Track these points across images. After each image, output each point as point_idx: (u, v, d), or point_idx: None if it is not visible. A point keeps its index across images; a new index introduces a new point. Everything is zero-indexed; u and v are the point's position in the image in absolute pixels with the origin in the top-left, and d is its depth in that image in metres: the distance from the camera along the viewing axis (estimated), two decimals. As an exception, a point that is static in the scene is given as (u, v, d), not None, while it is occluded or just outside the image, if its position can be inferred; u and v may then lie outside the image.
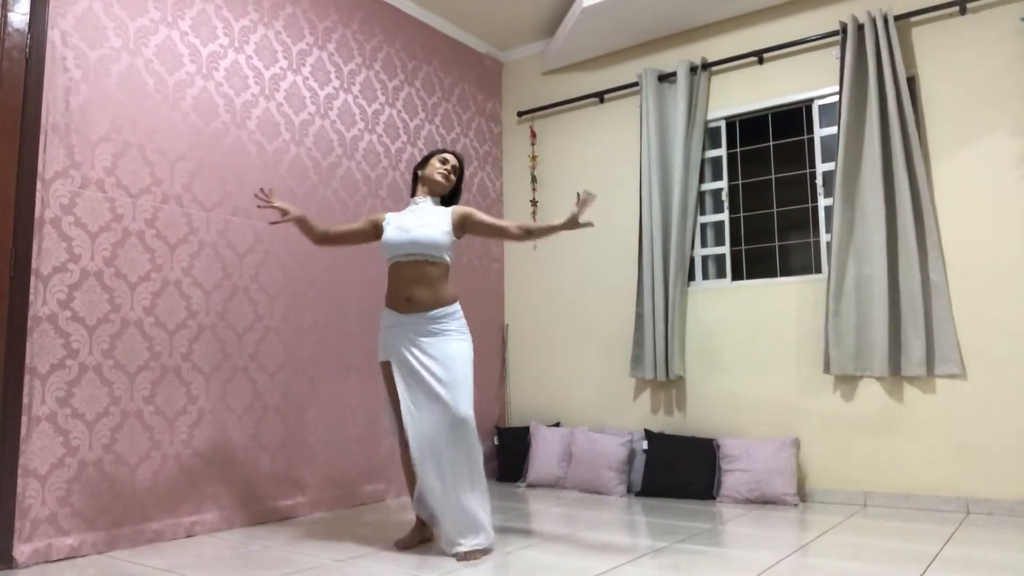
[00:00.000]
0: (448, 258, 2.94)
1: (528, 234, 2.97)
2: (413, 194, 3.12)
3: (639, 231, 4.45)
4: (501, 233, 3.04)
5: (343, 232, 3.09)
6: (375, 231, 3.03)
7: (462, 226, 2.98)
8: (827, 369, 3.82)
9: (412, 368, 2.79)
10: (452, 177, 3.06)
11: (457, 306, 2.92)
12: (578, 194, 2.79)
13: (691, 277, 4.42)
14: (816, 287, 3.99)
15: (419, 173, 3.09)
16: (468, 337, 2.91)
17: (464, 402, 2.75)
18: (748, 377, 4.14)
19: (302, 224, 3.00)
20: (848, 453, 3.82)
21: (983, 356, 3.54)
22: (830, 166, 4.04)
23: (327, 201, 3.94)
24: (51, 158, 2.85)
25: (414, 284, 2.86)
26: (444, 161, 3.07)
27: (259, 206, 2.97)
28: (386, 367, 2.90)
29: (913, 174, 3.69)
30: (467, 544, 2.69)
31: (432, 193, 3.04)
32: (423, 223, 2.92)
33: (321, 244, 3.11)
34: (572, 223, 2.80)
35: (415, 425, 2.75)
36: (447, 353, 2.79)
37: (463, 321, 2.92)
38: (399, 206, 4.09)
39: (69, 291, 2.87)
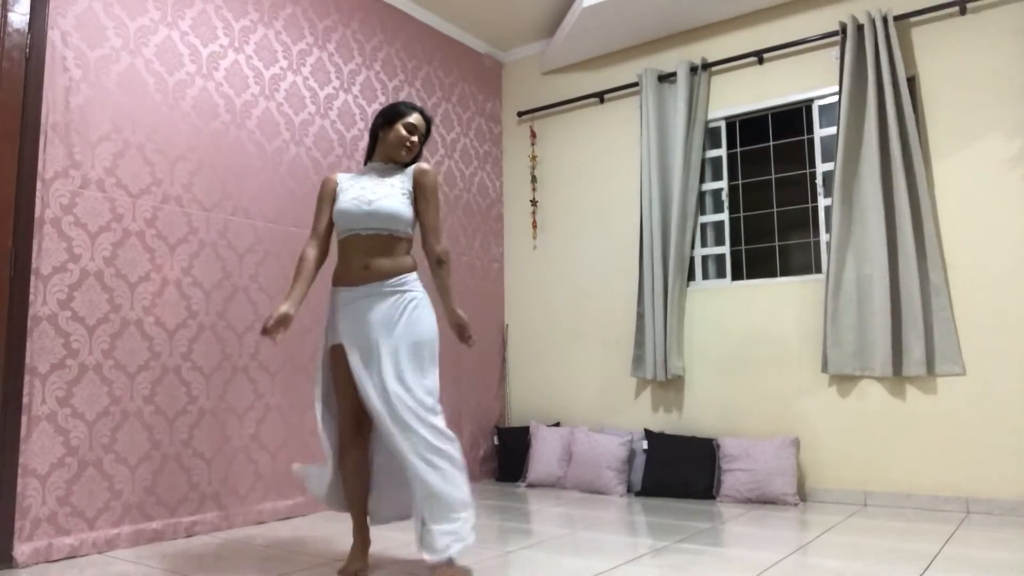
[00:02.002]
0: (411, 232, 2.62)
1: (439, 266, 2.61)
2: (369, 156, 2.73)
3: (639, 231, 4.46)
4: (425, 235, 2.63)
5: (325, 234, 2.64)
6: (330, 198, 2.64)
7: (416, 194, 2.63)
8: (825, 368, 3.82)
9: (374, 354, 2.43)
10: (416, 148, 2.68)
11: (416, 275, 2.58)
12: (467, 336, 2.67)
13: (691, 277, 4.42)
14: (816, 287, 3.99)
15: (379, 135, 2.68)
16: (431, 308, 2.57)
17: (428, 395, 2.44)
18: (748, 377, 4.14)
19: (302, 295, 2.54)
20: (848, 453, 3.82)
21: (983, 356, 3.54)
22: (830, 166, 4.04)
23: (327, 201, 3.93)
24: (51, 158, 2.85)
25: (370, 256, 2.53)
26: (411, 130, 2.64)
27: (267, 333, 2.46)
28: (337, 352, 2.52)
29: (913, 174, 3.69)
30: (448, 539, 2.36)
31: (390, 160, 2.67)
32: (385, 193, 2.57)
33: (324, 261, 2.66)
34: (455, 323, 2.64)
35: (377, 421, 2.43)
36: (413, 333, 2.47)
37: (423, 292, 2.58)
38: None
39: (69, 291, 2.87)
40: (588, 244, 4.81)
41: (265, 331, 2.44)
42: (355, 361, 2.45)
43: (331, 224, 2.63)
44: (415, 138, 2.66)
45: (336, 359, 2.53)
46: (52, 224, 2.84)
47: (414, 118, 2.65)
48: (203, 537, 3.14)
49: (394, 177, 2.64)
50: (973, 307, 3.58)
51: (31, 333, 2.75)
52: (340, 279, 2.59)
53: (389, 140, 2.64)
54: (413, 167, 2.67)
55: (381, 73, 4.35)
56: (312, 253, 2.60)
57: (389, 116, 2.66)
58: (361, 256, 2.53)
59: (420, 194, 2.62)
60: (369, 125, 4.19)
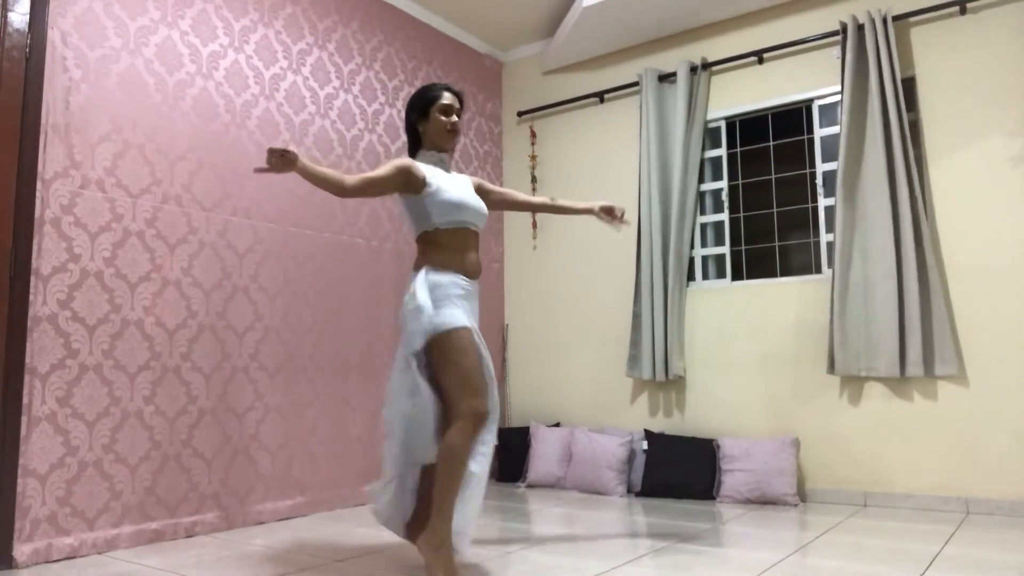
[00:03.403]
0: None
1: (549, 201, 2.98)
2: (415, 149, 2.68)
3: (638, 231, 4.45)
4: (513, 201, 2.96)
5: (373, 181, 2.44)
6: (404, 180, 2.51)
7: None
8: (831, 370, 3.81)
9: (483, 346, 2.53)
10: (459, 128, 2.66)
11: None
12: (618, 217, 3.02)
13: (691, 277, 4.42)
14: (816, 287, 3.99)
15: (419, 129, 2.64)
16: None
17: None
18: (748, 377, 4.14)
19: (305, 173, 2.26)
20: (848, 453, 3.82)
21: (982, 356, 3.54)
22: (830, 166, 4.04)
23: (328, 201, 3.94)
24: (51, 158, 2.85)
25: (477, 251, 2.62)
26: (448, 111, 2.61)
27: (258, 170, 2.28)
28: (469, 333, 2.45)
29: (912, 174, 3.69)
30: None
31: (439, 149, 2.65)
32: (472, 192, 2.67)
33: (347, 196, 2.44)
34: (601, 213, 2.98)
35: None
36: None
37: None
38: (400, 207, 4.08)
39: (69, 291, 2.87)
40: (588, 244, 4.81)
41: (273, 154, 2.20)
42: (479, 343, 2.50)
43: (384, 183, 2.46)
44: (455, 118, 2.63)
45: (468, 338, 2.44)
46: (52, 224, 2.84)
47: (447, 99, 2.61)
48: (203, 537, 3.14)
49: (462, 180, 2.70)
50: (972, 308, 3.58)
51: (31, 333, 2.75)
52: (455, 267, 2.52)
53: (431, 130, 2.62)
54: (468, 179, 2.76)
55: (381, 73, 4.35)
56: (349, 180, 2.38)
57: (422, 107, 2.61)
58: (473, 251, 2.60)
59: (489, 188, 2.84)
60: (369, 126, 4.23)
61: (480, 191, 2.78)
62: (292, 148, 2.22)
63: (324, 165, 3.93)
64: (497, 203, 2.90)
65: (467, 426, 2.37)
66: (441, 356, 2.41)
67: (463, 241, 2.57)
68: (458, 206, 2.55)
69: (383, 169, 2.49)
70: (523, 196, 3.02)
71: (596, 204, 2.98)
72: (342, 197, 2.50)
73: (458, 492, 2.37)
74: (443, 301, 2.43)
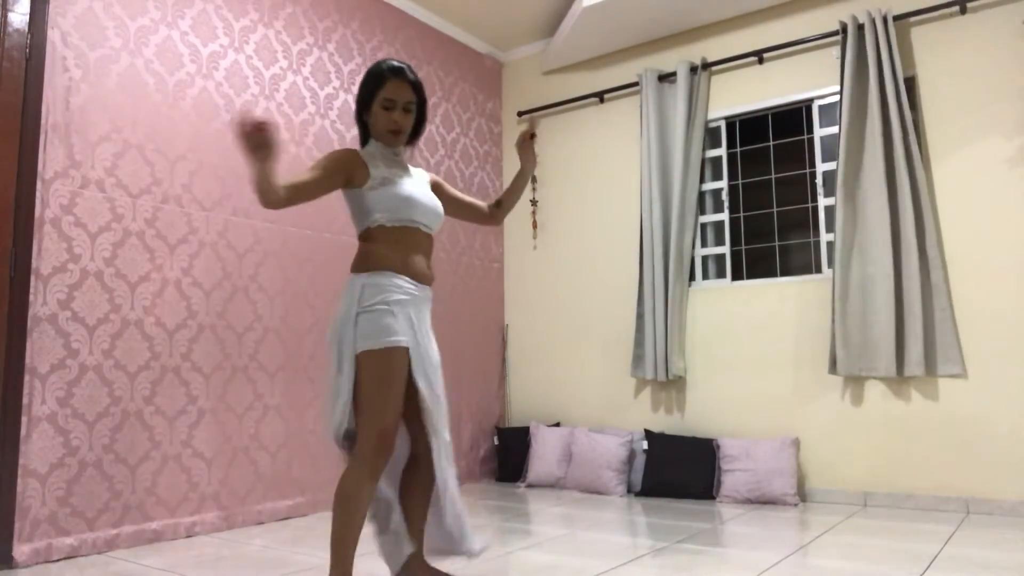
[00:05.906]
0: None
1: (499, 209, 2.51)
2: (365, 139, 2.29)
3: (639, 231, 4.46)
4: (471, 211, 2.50)
5: (299, 188, 2.10)
6: (346, 174, 2.16)
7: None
8: (833, 370, 3.80)
9: (429, 362, 2.19)
10: (406, 124, 2.22)
11: None
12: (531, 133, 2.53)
13: (691, 277, 4.42)
14: (816, 287, 3.99)
15: (364, 119, 2.25)
16: None
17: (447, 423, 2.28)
18: (748, 377, 4.14)
19: (266, 170, 1.99)
20: (848, 453, 3.81)
21: (983, 356, 3.54)
22: (830, 166, 4.04)
23: (327, 201, 3.92)
24: (51, 158, 2.85)
25: (428, 256, 2.27)
26: (390, 106, 2.17)
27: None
28: (403, 355, 2.10)
29: (913, 174, 3.69)
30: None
31: (387, 143, 2.25)
32: (427, 191, 2.29)
33: (280, 207, 2.08)
34: (526, 159, 2.50)
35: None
36: (436, 358, 2.25)
37: None
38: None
39: (69, 291, 2.87)
40: (588, 244, 4.81)
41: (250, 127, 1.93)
42: (414, 362, 2.15)
43: (318, 186, 2.14)
44: (397, 116, 2.19)
45: (400, 362, 2.11)
46: (52, 224, 2.84)
47: (391, 89, 2.16)
48: (203, 537, 3.14)
49: (416, 175, 2.33)
50: (973, 307, 3.58)
51: (31, 333, 2.75)
52: (402, 269, 2.16)
53: (373, 127, 2.23)
54: (425, 175, 2.39)
55: (381, 73, 4.35)
56: (277, 193, 2.03)
57: (365, 95, 2.21)
58: (422, 255, 2.23)
59: (443, 190, 2.42)
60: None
61: (436, 190, 2.37)
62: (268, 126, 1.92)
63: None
64: (452, 208, 2.45)
65: (363, 468, 2.18)
66: (363, 375, 2.11)
67: (410, 243, 2.20)
68: (406, 201, 2.17)
69: (315, 170, 2.12)
70: (479, 203, 2.54)
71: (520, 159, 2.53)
72: (269, 208, 2.07)
73: (356, 543, 2.15)
74: (377, 310, 2.10)
